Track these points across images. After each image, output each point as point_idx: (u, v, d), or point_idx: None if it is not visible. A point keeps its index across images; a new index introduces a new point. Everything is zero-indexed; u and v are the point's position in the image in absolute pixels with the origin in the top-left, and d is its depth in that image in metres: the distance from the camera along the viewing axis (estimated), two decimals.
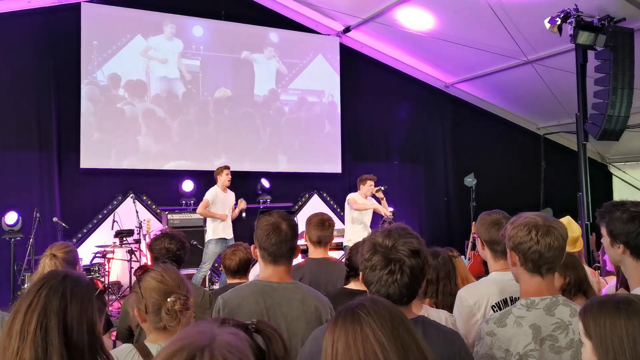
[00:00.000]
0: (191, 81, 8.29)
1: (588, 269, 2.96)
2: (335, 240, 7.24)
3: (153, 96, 8.00)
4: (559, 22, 6.35)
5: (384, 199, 6.89)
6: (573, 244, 3.12)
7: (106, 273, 6.72)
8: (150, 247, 3.10)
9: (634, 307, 1.42)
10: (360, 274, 1.78)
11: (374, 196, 6.86)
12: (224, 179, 6.88)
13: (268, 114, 8.81)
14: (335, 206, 9.10)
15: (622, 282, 2.36)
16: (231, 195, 7.04)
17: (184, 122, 8.20)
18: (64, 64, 7.49)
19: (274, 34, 8.93)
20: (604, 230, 2.16)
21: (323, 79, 9.25)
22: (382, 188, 6.87)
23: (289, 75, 9.05)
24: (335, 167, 9.27)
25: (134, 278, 2.06)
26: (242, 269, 3.52)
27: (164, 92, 8.08)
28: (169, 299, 1.90)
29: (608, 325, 1.41)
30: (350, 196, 6.79)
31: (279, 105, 8.93)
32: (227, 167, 6.98)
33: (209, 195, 6.77)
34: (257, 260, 2.36)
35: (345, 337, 1.23)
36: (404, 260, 1.66)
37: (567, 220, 3.23)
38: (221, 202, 6.84)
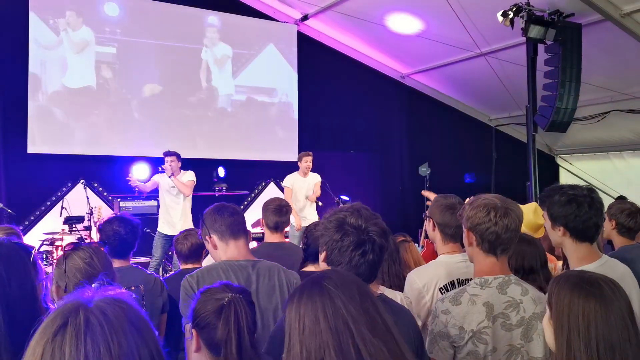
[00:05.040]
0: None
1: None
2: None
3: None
4: (511, 16, 6.51)
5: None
6: (536, 231, 3.14)
7: (54, 261, 6.50)
8: (100, 229, 3.00)
9: (596, 290, 1.41)
10: (323, 254, 1.75)
11: None
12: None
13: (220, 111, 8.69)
14: None
15: (566, 263, 2.45)
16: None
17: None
18: (11, 44, 7.13)
19: (214, 17, 8.42)
20: (545, 215, 2.23)
21: (276, 69, 9.11)
22: None
23: (236, 66, 8.74)
24: (292, 155, 9.23)
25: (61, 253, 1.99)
26: (194, 254, 3.49)
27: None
28: (93, 285, 1.87)
29: (567, 301, 1.42)
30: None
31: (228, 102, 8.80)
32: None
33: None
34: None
35: (314, 311, 1.18)
36: (375, 240, 1.69)
37: (533, 207, 3.21)
38: None
